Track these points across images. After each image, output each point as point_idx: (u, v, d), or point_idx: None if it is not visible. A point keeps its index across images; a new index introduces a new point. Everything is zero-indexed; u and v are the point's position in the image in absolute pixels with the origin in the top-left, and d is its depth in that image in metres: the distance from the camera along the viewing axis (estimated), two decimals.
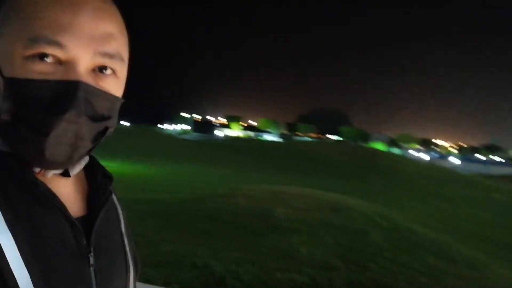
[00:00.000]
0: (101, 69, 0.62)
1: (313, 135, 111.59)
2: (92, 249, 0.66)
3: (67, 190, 0.68)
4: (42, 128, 0.57)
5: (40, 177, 0.64)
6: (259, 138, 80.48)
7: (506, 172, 50.71)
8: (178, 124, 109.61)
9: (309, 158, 32.12)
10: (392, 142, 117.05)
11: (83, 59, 0.59)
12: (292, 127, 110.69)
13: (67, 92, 0.58)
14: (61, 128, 0.58)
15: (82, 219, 0.67)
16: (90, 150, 0.66)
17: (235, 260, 5.68)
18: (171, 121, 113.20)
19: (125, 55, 0.67)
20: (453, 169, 46.32)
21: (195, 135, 77.60)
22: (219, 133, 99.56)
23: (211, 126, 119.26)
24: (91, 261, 0.66)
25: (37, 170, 0.64)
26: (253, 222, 7.11)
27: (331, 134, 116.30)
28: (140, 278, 0.81)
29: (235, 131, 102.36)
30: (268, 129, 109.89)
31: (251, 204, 7.85)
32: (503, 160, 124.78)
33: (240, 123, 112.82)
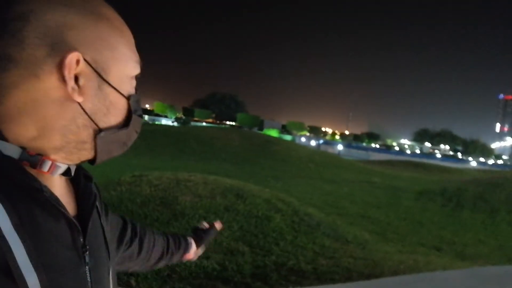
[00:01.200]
0: None
1: (209, 120, 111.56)
2: (87, 247, 0.70)
3: (62, 190, 0.72)
4: (137, 129, 0.76)
5: (43, 178, 0.66)
6: (155, 122, 78.30)
7: (383, 158, 55.80)
8: None
9: (207, 143, 32.13)
10: (284, 129, 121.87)
11: None
12: (188, 112, 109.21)
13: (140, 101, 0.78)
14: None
15: (75, 218, 0.70)
16: None
17: None
18: None
19: None
20: (337, 155, 49.74)
21: None
22: None
23: None
24: (87, 259, 0.70)
25: (45, 169, 0.65)
26: (159, 211, 7.04)
27: (227, 120, 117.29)
28: None
29: None
30: (163, 113, 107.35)
31: (156, 192, 7.73)
32: (379, 147, 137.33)
33: None
